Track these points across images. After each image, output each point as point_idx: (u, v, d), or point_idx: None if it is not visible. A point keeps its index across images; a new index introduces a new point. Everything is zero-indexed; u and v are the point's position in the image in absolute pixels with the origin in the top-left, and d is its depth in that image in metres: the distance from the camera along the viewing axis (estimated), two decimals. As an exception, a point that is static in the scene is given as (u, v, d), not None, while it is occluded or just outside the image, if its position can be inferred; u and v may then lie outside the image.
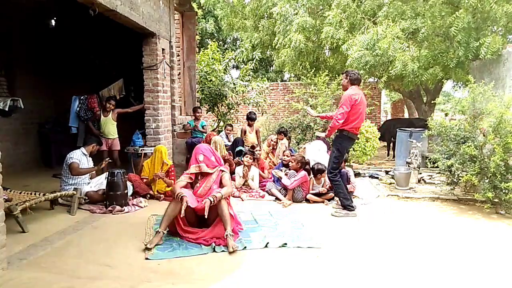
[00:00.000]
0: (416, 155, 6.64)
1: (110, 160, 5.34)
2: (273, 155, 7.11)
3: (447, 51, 7.19)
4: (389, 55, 7.26)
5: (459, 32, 6.59)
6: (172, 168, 5.89)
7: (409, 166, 6.61)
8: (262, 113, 11.11)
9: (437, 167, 5.75)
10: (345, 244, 3.79)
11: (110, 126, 6.81)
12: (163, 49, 6.69)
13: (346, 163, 6.18)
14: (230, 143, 7.51)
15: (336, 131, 4.82)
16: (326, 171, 5.64)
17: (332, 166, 4.90)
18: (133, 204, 5.08)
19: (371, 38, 7.63)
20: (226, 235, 3.64)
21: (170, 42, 7.06)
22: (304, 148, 6.68)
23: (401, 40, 7.35)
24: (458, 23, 6.49)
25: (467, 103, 5.34)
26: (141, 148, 6.51)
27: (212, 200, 3.69)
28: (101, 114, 6.81)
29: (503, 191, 4.68)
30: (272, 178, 6.06)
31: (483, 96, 5.18)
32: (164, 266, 3.22)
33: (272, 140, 7.18)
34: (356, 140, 4.84)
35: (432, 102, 11.05)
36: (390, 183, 6.58)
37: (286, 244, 3.72)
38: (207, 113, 10.23)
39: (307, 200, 5.56)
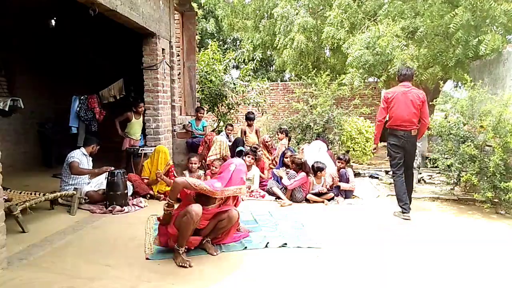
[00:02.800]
0: (416, 155, 6.63)
1: (113, 168, 5.32)
2: (270, 154, 7.10)
3: (446, 50, 7.18)
4: (388, 53, 7.26)
5: (458, 30, 6.59)
6: (172, 168, 5.89)
7: (409, 166, 6.60)
8: (262, 113, 11.10)
9: (437, 167, 5.75)
10: (345, 244, 3.79)
11: (138, 127, 7.00)
12: (163, 49, 6.69)
13: (347, 163, 6.18)
14: (230, 143, 7.51)
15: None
16: (325, 169, 5.66)
17: (390, 165, 5.04)
18: (133, 204, 5.08)
19: (372, 36, 7.63)
20: (205, 241, 3.46)
21: (170, 42, 7.06)
22: (302, 149, 6.68)
23: (400, 39, 7.35)
24: (457, 20, 6.49)
25: (466, 103, 5.34)
26: (141, 148, 6.51)
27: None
28: (133, 116, 6.92)
29: (503, 191, 4.68)
30: (273, 177, 6.06)
31: (480, 97, 5.17)
32: (164, 266, 3.22)
33: (265, 141, 7.17)
34: (401, 136, 4.80)
35: (432, 102, 11.04)
36: (390, 183, 6.58)
37: (286, 244, 3.72)
38: (207, 113, 10.23)
39: (307, 200, 5.56)
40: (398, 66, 7.18)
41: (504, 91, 5.98)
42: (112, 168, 5.14)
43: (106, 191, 4.99)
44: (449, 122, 5.49)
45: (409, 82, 4.91)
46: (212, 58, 9.75)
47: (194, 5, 9.15)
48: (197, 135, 7.41)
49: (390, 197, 5.77)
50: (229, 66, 10.52)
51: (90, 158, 5.42)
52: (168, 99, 7.03)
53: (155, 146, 6.21)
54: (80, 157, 5.21)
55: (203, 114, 7.80)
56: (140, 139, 7.20)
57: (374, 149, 5.33)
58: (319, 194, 5.56)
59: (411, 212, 5.08)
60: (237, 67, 17.78)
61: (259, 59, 12.34)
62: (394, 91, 4.91)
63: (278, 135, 7.36)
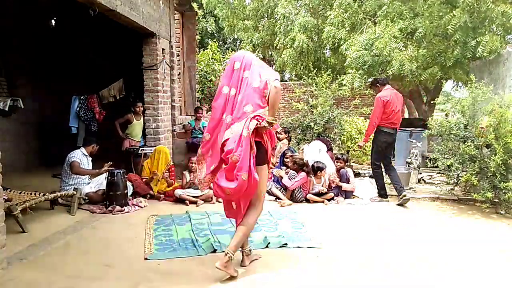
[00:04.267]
0: (416, 155, 6.63)
1: (111, 163, 5.34)
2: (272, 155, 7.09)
3: (445, 51, 7.18)
4: (385, 55, 7.26)
5: (456, 31, 6.59)
6: (172, 168, 5.89)
7: (409, 166, 6.61)
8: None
9: (437, 167, 5.75)
10: (345, 244, 3.79)
11: (139, 128, 6.94)
12: (163, 49, 6.69)
13: (346, 163, 6.18)
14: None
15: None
16: (325, 169, 5.66)
17: (374, 159, 5.61)
18: (133, 204, 5.08)
19: (369, 38, 7.63)
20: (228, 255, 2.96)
21: (170, 42, 7.07)
22: (302, 149, 6.67)
23: (397, 40, 7.34)
24: (455, 21, 6.49)
25: (467, 103, 5.34)
26: (141, 148, 6.51)
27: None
28: (133, 118, 6.86)
29: (503, 191, 4.68)
30: (272, 177, 6.05)
31: (483, 97, 5.17)
32: (164, 266, 3.22)
33: None
34: (393, 133, 5.52)
35: (432, 102, 11.05)
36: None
37: (286, 244, 3.72)
38: (207, 113, 10.22)
39: (307, 200, 5.56)
40: (396, 67, 7.17)
41: (504, 91, 5.98)
42: (111, 163, 5.14)
43: (106, 191, 4.99)
44: (449, 122, 5.49)
45: (389, 85, 5.59)
46: (212, 58, 9.75)
47: (194, 5, 9.15)
48: (197, 134, 7.41)
49: (390, 197, 5.77)
50: (229, 66, 10.51)
51: (90, 158, 5.43)
52: (168, 99, 7.02)
53: (155, 146, 6.21)
54: (81, 157, 5.21)
55: (202, 114, 7.79)
56: (140, 139, 7.20)
57: (360, 147, 5.79)
58: (319, 194, 5.56)
59: (411, 211, 5.11)
60: (237, 67, 17.75)
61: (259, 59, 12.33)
62: (389, 94, 5.41)
63: (281, 134, 7.33)
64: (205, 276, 3.04)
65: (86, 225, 4.32)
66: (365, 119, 8.25)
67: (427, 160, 7.08)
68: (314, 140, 7.28)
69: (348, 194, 5.75)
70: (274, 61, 15.74)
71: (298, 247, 3.69)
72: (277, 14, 10.72)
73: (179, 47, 7.96)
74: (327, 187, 5.66)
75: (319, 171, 5.63)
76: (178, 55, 7.83)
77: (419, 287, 2.95)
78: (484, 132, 4.97)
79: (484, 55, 6.28)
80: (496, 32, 7.00)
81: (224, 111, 3.06)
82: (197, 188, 5.57)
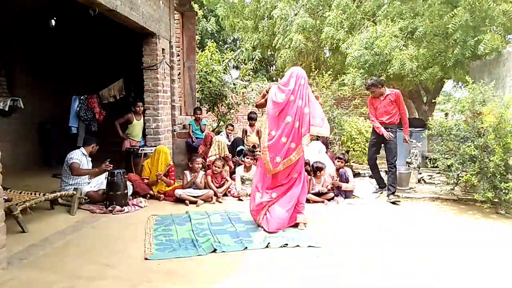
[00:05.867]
0: (416, 155, 6.63)
1: (110, 162, 5.31)
2: None
3: (445, 51, 7.18)
4: (386, 53, 7.26)
5: (457, 30, 6.59)
6: (172, 168, 5.89)
7: (409, 166, 6.60)
8: (262, 113, 11.09)
9: (437, 167, 5.75)
10: (345, 244, 3.79)
11: (139, 128, 6.91)
12: (163, 49, 6.69)
13: (346, 163, 6.17)
14: (230, 143, 7.51)
15: (396, 126, 5.75)
16: (324, 169, 5.65)
17: (395, 156, 5.72)
18: (133, 204, 5.08)
19: (370, 36, 7.63)
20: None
21: (170, 42, 7.07)
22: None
23: (398, 39, 7.34)
24: (456, 20, 6.49)
25: (467, 103, 5.34)
26: (141, 148, 6.50)
27: None
28: (134, 118, 6.83)
29: (503, 191, 4.68)
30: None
31: (483, 96, 5.17)
32: (164, 266, 3.22)
33: None
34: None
35: (432, 102, 11.05)
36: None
37: (287, 244, 3.72)
38: (207, 113, 10.23)
39: (307, 200, 5.53)
40: (397, 66, 7.17)
41: (504, 91, 5.98)
42: (109, 163, 5.12)
43: (106, 191, 4.99)
44: (449, 122, 5.49)
45: None
46: (211, 59, 9.74)
47: (195, 5, 9.15)
48: (198, 134, 7.42)
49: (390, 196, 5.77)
50: (228, 66, 10.52)
51: (90, 158, 5.41)
52: (168, 99, 7.02)
53: (155, 146, 6.21)
54: (80, 157, 5.20)
55: (201, 114, 7.80)
56: (141, 139, 7.19)
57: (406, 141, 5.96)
58: (319, 194, 5.55)
59: (411, 211, 5.11)
60: (237, 67, 17.78)
61: (259, 59, 12.34)
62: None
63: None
64: (205, 276, 3.04)
65: (86, 225, 4.32)
66: (365, 119, 8.25)
67: (427, 160, 7.08)
68: (313, 140, 7.28)
69: (348, 194, 5.75)
70: (274, 61, 15.77)
71: (298, 246, 3.69)
72: (276, 16, 10.75)
73: (179, 47, 7.96)
74: (329, 188, 5.64)
75: (318, 171, 5.62)
76: (178, 55, 7.83)
77: (419, 287, 2.95)
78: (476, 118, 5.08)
79: (486, 52, 6.26)
80: (497, 32, 6.99)
81: (285, 113, 4.08)
82: (197, 188, 5.58)
